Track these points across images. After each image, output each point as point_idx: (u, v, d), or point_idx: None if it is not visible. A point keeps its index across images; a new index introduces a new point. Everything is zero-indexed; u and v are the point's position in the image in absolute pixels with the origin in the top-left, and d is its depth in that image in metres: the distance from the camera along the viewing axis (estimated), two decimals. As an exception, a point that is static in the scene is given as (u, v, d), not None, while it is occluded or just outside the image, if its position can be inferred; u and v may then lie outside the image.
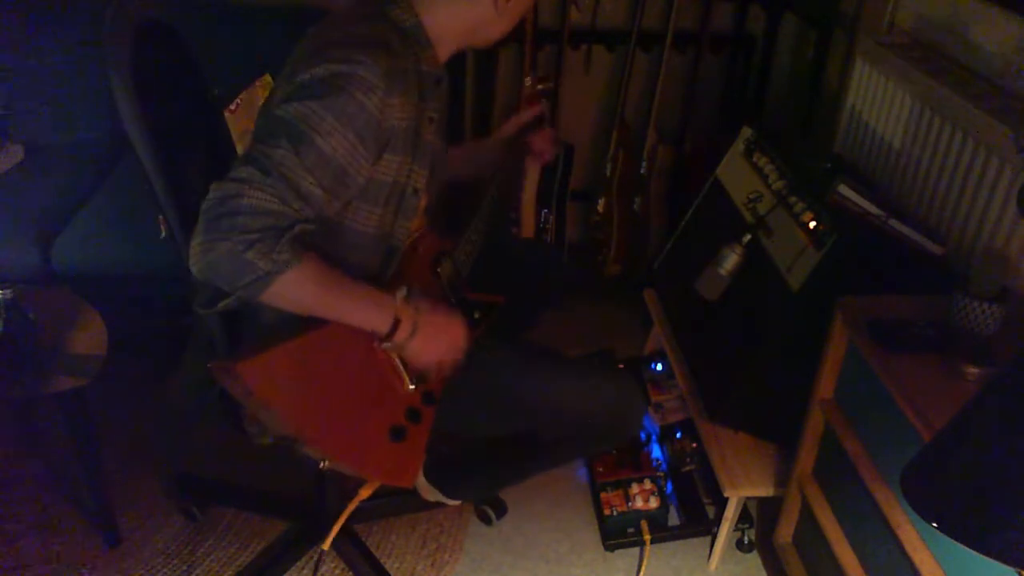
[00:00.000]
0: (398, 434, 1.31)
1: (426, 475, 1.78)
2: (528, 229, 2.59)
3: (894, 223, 1.69)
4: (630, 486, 1.95)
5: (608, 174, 2.65)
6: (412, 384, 1.34)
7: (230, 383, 1.20)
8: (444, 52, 1.38)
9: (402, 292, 1.30)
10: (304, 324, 1.24)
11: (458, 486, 1.78)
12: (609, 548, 1.90)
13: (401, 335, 1.29)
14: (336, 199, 1.26)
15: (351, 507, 1.40)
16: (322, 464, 1.29)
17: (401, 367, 1.34)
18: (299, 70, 1.24)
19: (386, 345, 1.30)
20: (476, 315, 1.49)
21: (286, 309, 1.23)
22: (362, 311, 1.28)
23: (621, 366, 2.32)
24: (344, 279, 1.26)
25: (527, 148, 1.69)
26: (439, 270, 1.49)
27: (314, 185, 1.19)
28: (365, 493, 1.39)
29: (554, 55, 2.56)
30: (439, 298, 1.46)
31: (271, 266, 1.15)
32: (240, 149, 1.66)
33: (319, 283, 1.23)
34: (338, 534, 1.78)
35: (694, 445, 2.01)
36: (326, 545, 1.47)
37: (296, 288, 1.20)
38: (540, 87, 1.73)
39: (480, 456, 1.75)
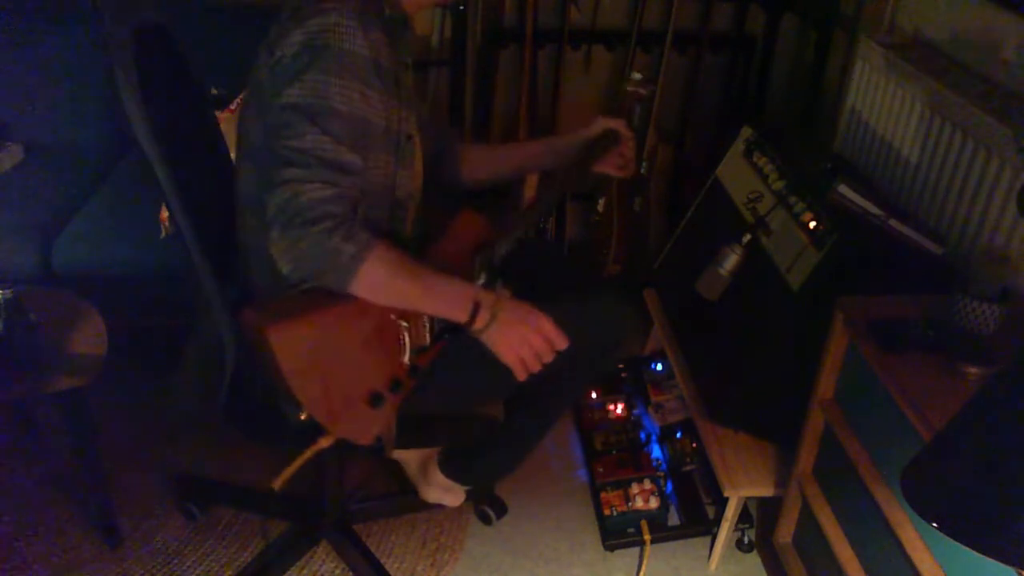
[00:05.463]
0: (376, 400, 1.32)
1: (442, 470, 1.76)
2: (528, 231, 2.59)
3: (894, 223, 1.69)
4: (630, 486, 1.95)
5: (608, 174, 2.65)
6: (408, 360, 1.35)
7: (255, 340, 1.22)
8: (409, 1, 1.39)
9: (480, 279, 1.33)
10: (329, 296, 1.25)
11: (474, 470, 1.75)
12: (609, 548, 1.90)
13: (480, 322, 1.29)
14: (368, 153, 1.28)
15: (307, 454, 1.40)
16: (302, 416, 1.28)
17: (406, 340, 1.35)
18: (276, 46, 1.25)
19: (470, 331, 1.31)
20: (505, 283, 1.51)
21: (371, 298, 1.24)
22: (440, 296, 1.30)
23: (621, 365, 2.32)
24: (421, 266, 1.29)
25: (605, 156, 1.65)
26: (478, 257, 1.48)
27: (352, 153, 1.22)
28: (325, 443, 1.39)
29: (554, 55, 2.56)
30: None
31: (356, 247, 1.19)
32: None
33: (401, 265, 1.26)
34: (338, 534, 1.79)
35: (694, 445, 2.01)
36: (276, 485, 1.46)
37: (379, 270, 1.22)
38: (637, 91, 1.69)
39: (494, 428, 1.70)
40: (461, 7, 2.40)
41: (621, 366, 2.31)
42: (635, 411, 2.19)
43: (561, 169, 1.63)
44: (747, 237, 1.79)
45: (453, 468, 1.74)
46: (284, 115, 1.22)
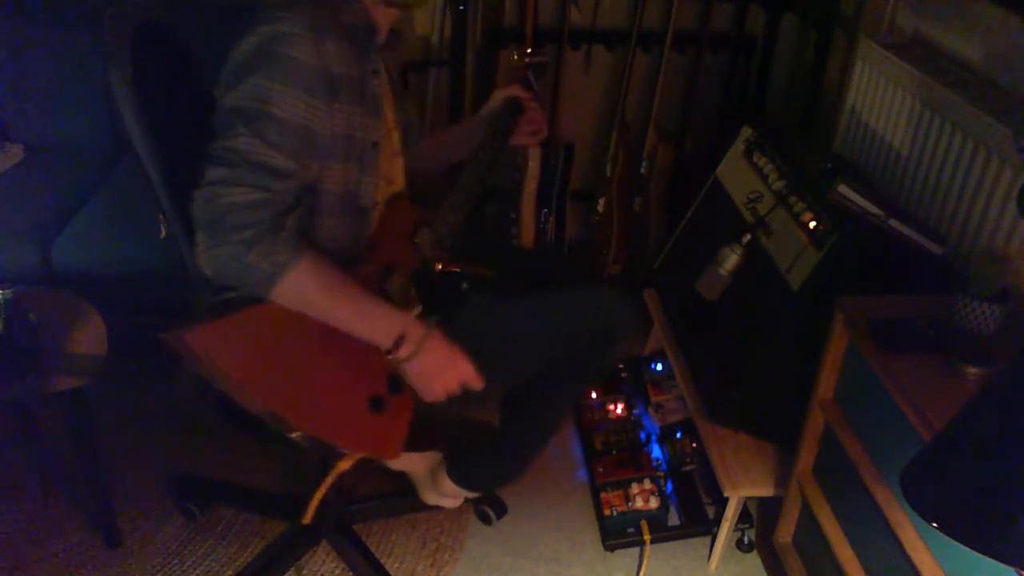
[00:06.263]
0: (377, 404, 1.30)
1: (450, 476, 1.76)
2: (528, 229, 2.59)
3: (894, 223, 1.69)
4: (630, 486, 1.95)
5: (608, 174, 2.65)
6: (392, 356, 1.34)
7: (186, 354, 1.19)
8: (375, 7, 1.36)
9: (416, 311, 1.32)
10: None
11: (482, 476, 1.74)
12: (609, 548, 1.90)
13: (403, 352, 1.29)
14: (313, 162, 1.27)
15: (329, 479, 1.39)
16: (294, 435, 1.26)
17: None
18: (234, 47, 1.25)
19: (388, 359, 1.30)
20: (464, 286, 1.49)
21: (295, 308, 1.24)
22: (366, 319, 1.28)
23: (621, 365, 2.32)
24: (351, 286, 1.27)
25: (516, 126, 1.64)
26: (417, 240, 1.47)
27: (285, 159, 1.21)
28: (345, 465, 1.38)
29: (554, 55, 2.56)
30: (415, 266, 1.46)
31: (272, 268, 1.18)
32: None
33: (321, 285, 1.24)
34: (338, 534, 1.79)
35: (694, 445, 2.01)
36: (306, 519, 1.45)
37: (299, 289, 1.22)
38: (528, 60, 1.70)
39: (497, 441, 1.70)
40: (461, 7, 2.40)
41: (621, 366, 2.31)
42: (635, 411, 2.19)
43: (476, 149, 1.60)
44: (747, 237, 1.79)
45: (459, 475, 1.74)
46: (224, 117, 1.22)
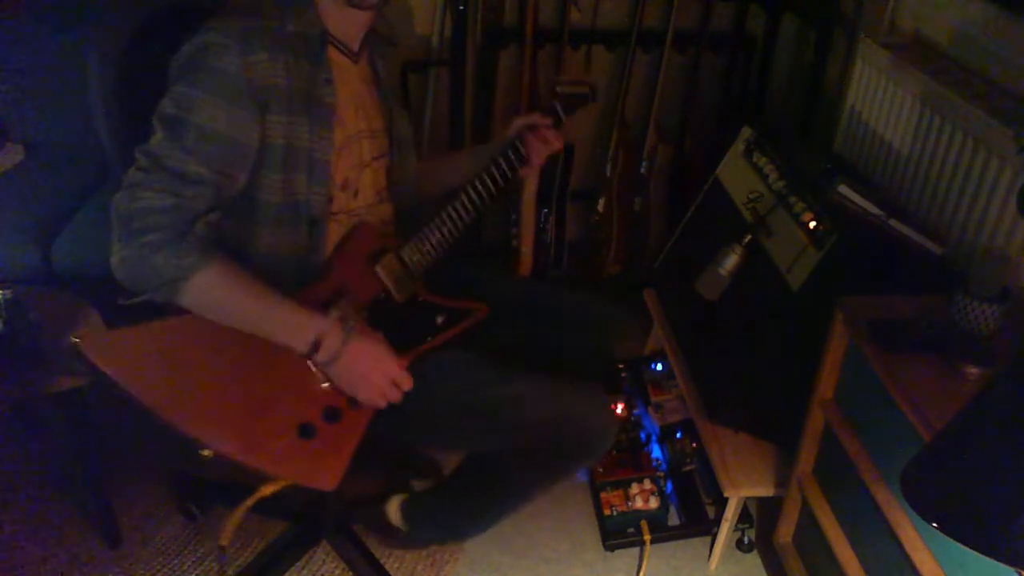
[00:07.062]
0: (307, 432, 1.27)
1: (400, 506, 1.74)
2: (527, 230, 2.59)
3: (894, 223, 1.69)
4: (630, 486, 1.95)
5: (608, 174, 2.65)
6: (325, 382, 1.30)
7: (87, 358, 1.18)
8: (330, 13, 1.34)
9: (336, 313, 1.28)
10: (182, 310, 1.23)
11: (424, 527, 1.73)
12: (609, 548, 1.90)
13: (322, 356, 1.25)
14: (238, 172, 1.26)
15: (249, 502, 1.37)
16: (204, 452, 1.24)
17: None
18: (173, 57, 1.26)
19: (309, 362, 1.28)
20: (439, 320, 1.45)
21: (206, 315, 1.22)
22: (278, 323, 1.25)
23: (621, 365, 2.31)
24: (262, 289, 1.24)
25: (530, 157, 1.56)
26: (377, 268, 1.42)
27: (201, 166, 1.21)
28: (267, 490, 1.36)
29: (554, 55, 2.56)
30: (373, 293, 1.42)
31: (178, 271, 1.17)
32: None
33: (231, 289, 1.23)
34: (338, 534, 1.79)
35: (694, 445, 2.01)
36: (223, 541, 1.44)
37: (207, 292, 1.21)
38: (560, 90, 1.64)
39: (446, 494, 1.69)
40: (461, 7, 2.40)
41: (621, 366, 2.31)
42: (635, 411, 2.19)
43: (474, 177, 1.52)
44: (747, 237, 1.79)
45: (407, 509, 1.74)
46: (152, 124, 1.23)
